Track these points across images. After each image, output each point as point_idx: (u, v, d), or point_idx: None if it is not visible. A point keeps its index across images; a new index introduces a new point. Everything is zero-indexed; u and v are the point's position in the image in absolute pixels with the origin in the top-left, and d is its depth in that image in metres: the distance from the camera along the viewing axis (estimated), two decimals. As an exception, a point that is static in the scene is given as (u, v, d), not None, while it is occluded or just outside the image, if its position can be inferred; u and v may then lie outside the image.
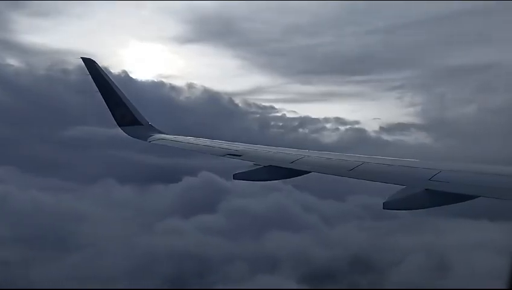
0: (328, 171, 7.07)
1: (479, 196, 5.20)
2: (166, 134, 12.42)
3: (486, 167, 5.91)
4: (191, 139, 11.40)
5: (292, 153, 8.29)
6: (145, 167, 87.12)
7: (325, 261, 55.03)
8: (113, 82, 12.36)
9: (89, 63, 12.07)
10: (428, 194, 5.49)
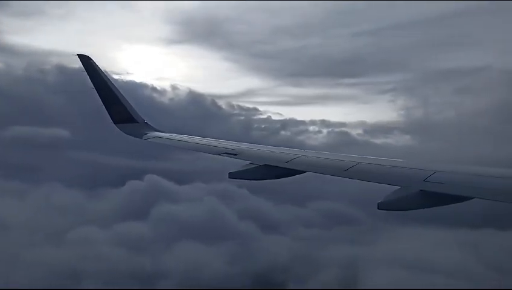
0: (323, 171, 7.03)
1: (474, 197, 5.17)
2: (162, 132, 12.36)
3: (481, 169, 5.87)
4: (186, 137, 11.32)
5: (288, 152, 8.23)
6: (109, 169, 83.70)
7: (222, 277, 48.86)
8: (109, 79, 12.30)
9: (85, 60, 11.99)
10: (423, 195, 5.47)
